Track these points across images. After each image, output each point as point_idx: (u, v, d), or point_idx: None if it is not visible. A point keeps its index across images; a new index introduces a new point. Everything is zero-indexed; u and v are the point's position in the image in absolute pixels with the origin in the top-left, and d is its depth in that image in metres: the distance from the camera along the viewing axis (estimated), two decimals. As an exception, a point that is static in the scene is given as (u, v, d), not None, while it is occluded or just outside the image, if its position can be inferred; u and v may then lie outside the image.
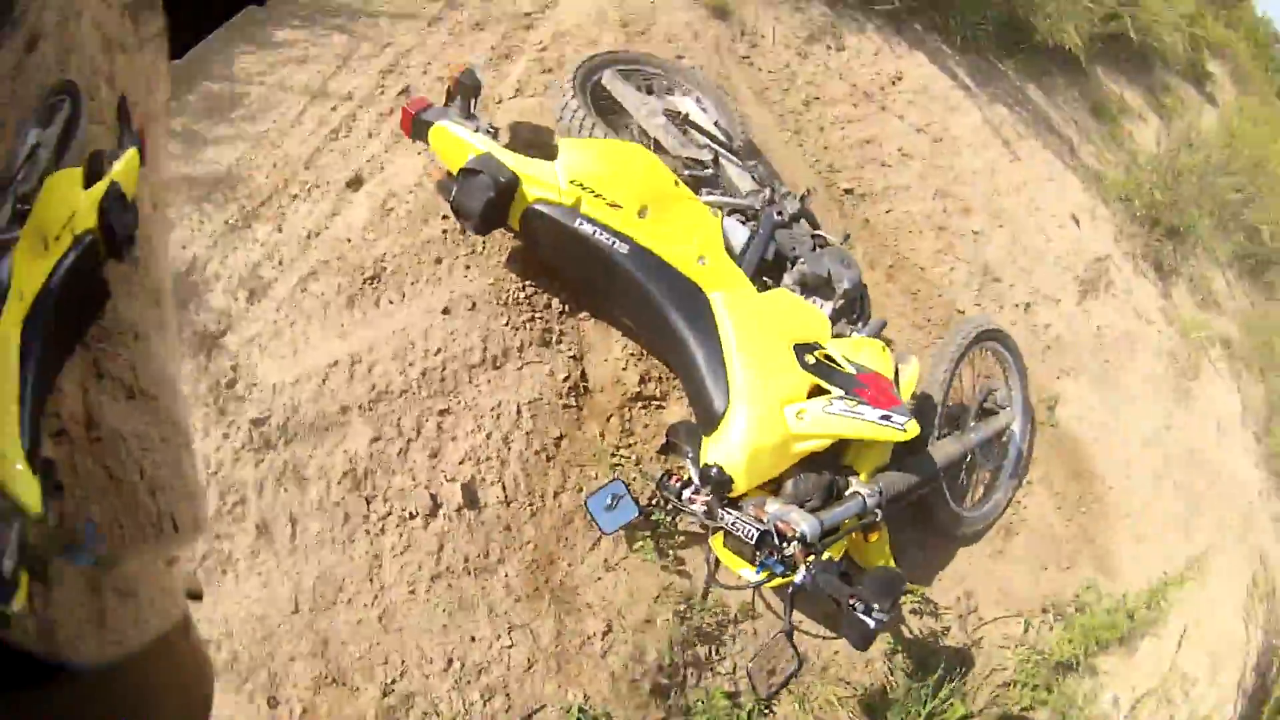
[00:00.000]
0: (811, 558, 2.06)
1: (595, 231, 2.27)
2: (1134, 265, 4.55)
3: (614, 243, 2.27)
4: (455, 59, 2.88)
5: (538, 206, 2.27)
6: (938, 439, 2.73)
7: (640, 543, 2.44)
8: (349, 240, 2.57)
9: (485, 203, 2.19)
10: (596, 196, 2.28)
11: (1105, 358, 3.96)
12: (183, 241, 2.49)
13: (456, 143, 2.30)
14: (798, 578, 2.04)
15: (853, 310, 2.66)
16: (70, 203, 0.45)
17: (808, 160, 3.46)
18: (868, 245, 3.42)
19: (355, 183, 2.67)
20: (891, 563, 2.55)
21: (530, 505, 2.41)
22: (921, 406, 2.74)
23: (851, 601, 1.97)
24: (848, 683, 2.60)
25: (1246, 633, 3.68)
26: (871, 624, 1.96)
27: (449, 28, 3.10)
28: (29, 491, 0.37)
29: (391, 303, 2.52)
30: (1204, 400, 4.37)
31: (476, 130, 2.35)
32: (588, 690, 2.31)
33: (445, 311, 2.52)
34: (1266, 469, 4.44)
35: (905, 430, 2.26)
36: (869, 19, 4.13)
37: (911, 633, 2.79)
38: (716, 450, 2.15)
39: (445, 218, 2.59)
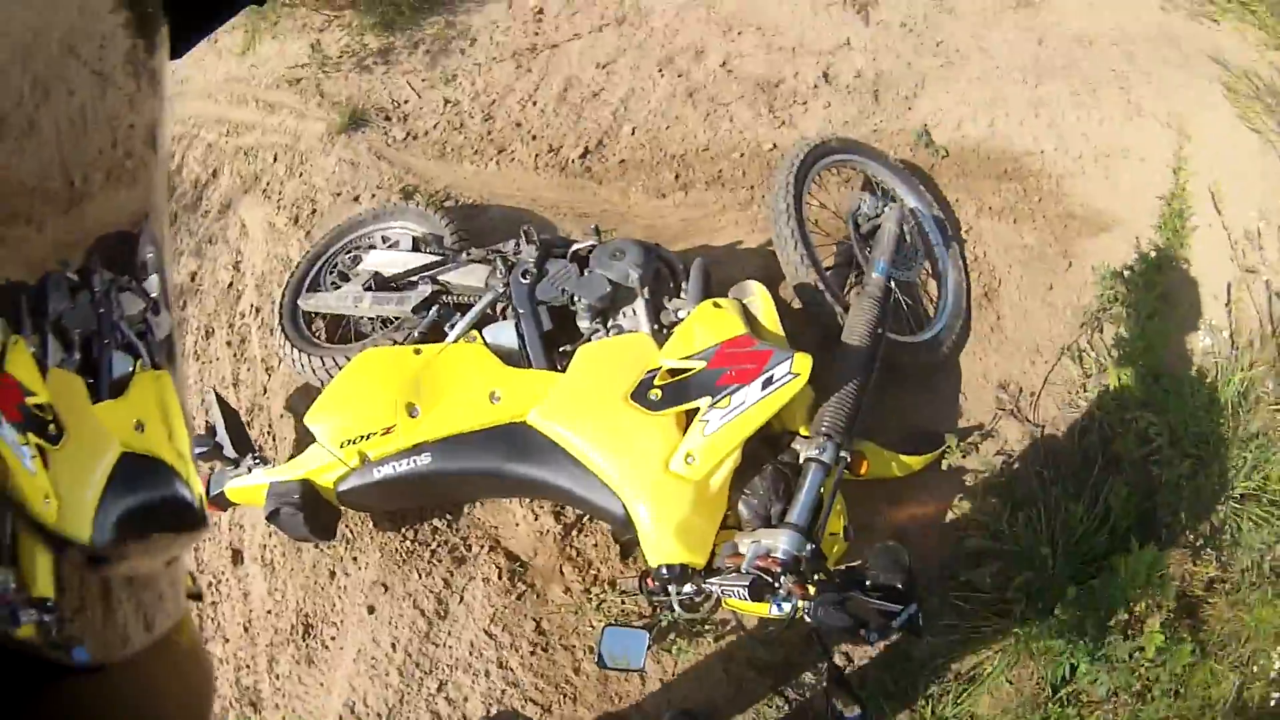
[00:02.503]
0: (810, 587, 1.80)
1: (394, 466, 2.18)
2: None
3: (415, 461, 2.17)
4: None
5: (340, 487, 2.23)
6: (847, 308, 2.37)
7: (675, 646, 2.38)
8: (269, 611, 2.69)
9: (305, 524, 2.20)
10: (367, 439, 2.19)
11: (933, 44, 3.39)
12: None
13: (247, 492, 2.34)
14: (807, 616, 1.79)
15: (663, 287, 2.37)
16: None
17: (528, 167, 3.17)
18: (641, 182, 3.09)
19: (236, 557, 2.78)
20: (904, 461, 2.34)
21: (566, 696, 2.40)
22: (808, 304, 2.42)
23: (874, 607, 1.75)
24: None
25: (1256, 141, 3.10)
26: (910, 612, 1.75)
27: (190, 356, 3.08)
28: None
29: (333, 638, 2.61)
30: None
31: (250, 469, 2.37)
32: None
33: (371, 610, 2.57)
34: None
35: (794, 376, 1.95)
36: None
37: (986, 467, 2.53)
38: (650, 550, 1.93)
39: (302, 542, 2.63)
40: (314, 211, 3.16)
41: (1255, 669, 2.37)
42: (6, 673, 0.39)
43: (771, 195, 2.55)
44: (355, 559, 2.63)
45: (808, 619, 1.77)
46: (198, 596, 0.67)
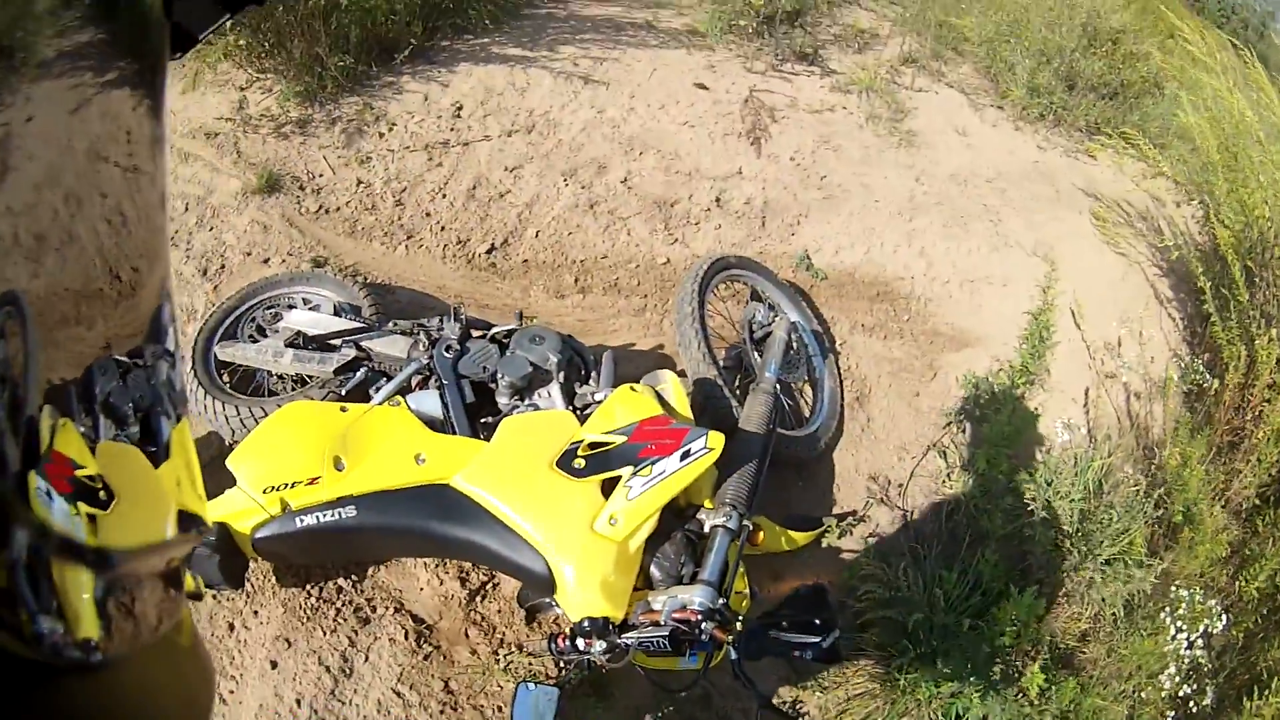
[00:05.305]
0: (729, 626, 2.07)
1: (317, 517, 2.21)
2: (772, 75, 4.58)
3: (338, 514, 2.22)
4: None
5: (257, 534, 2.21)
6: (742, 402, 2.74)
7: (590, 703, 2.51)
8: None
9: (218, 567, 2.18)
10: (291, 487, 2.22)
11: (817, 178, 4.04)
12: None
13: None
14: (732, 654, 2.06)
15: (575, 373, 2.68)
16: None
17: (436, 255, 3.43)
18: (543, 282, 3.41)
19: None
20: (792, 537, 2.68)
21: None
22: (707, 396, 2.78)
23: (797, 642, 2.06)
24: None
25: (1122, 264, 3.91)
26: (829, 641, 2.05)
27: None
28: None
29: (232, 692, 2.46)
30: (927, 123, 4.48)
31: None
32: None
33: (274, 665, 2.49)
34: (1029, 133, 4.64)
35: (709, 450, 2.28)
36: (390, 75, 4.07)
37: (864, 547, 2.90)
38: (572, 605, 2.12)
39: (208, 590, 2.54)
40: (223, 268, 3.21)
41: (1143, 696, 2.74)
42: (4, 672, 0.40)
43: (677, 300, 2.96)
44: (256, 612, 2.56)
45: (733, 654, 2.03)
46: (198, 596, 0.69)
